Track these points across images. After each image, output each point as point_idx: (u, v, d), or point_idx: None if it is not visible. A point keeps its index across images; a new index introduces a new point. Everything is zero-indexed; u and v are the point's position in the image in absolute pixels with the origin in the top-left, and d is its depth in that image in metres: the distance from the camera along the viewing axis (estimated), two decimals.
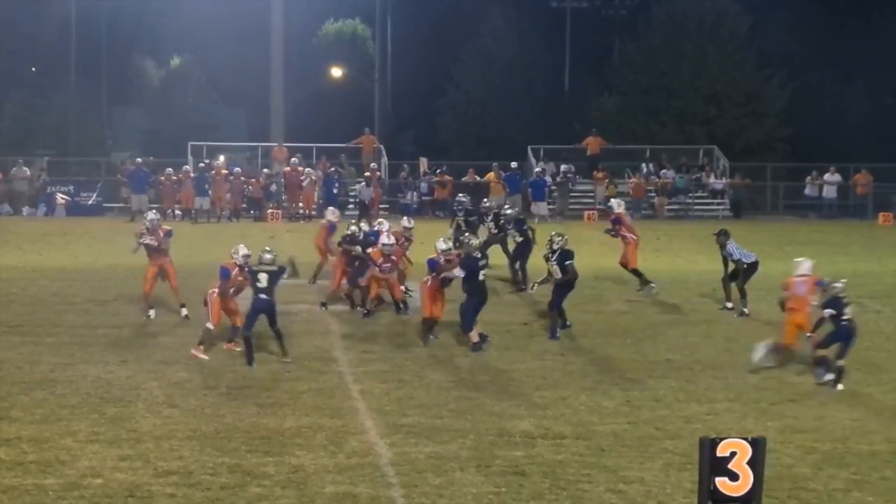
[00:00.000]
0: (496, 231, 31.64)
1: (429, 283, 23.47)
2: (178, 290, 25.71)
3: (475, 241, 24.51)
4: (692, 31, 62.73)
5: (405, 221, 29.82)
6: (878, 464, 16.05)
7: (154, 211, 27.80)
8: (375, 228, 28.19)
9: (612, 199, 34.13)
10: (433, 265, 23.52)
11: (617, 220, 30.91)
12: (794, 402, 19.44)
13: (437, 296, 23.57)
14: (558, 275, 24.51)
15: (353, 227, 27.60)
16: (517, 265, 30.29)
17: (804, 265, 22.47)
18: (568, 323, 25.07)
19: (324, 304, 27.35)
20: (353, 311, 26.81)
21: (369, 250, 26.30)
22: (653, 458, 16.12)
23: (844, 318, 20.61)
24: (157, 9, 66.24)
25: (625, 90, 64.13)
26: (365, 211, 46.70)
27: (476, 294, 23.13)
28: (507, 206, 34.07)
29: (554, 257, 24.76)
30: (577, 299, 27.92)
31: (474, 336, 23.03)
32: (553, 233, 25.72)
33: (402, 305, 26.60)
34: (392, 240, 26.81)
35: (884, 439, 17.28)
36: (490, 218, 32.39)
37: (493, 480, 15.03)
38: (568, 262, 24.46)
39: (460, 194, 37.15)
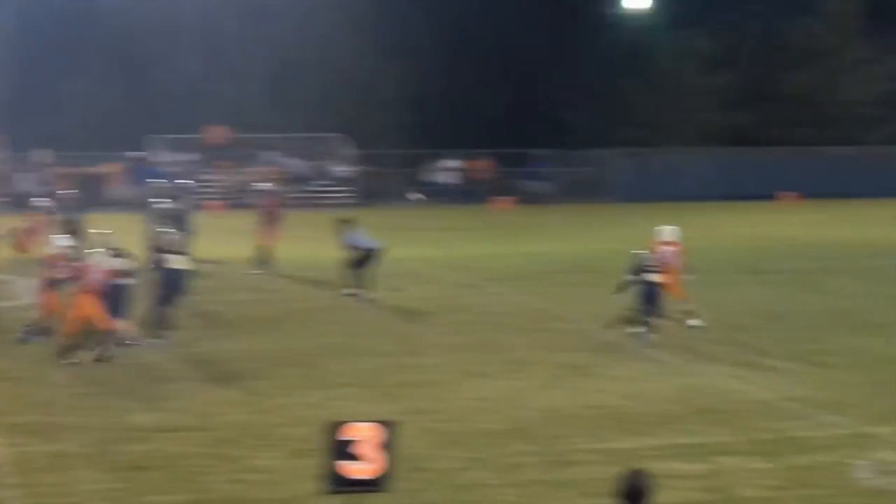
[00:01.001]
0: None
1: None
2: None
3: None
4: (320, 18, 62.77)
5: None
6: (496, 441, 16.49)
7: None
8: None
9: (261, 183, 34.49)
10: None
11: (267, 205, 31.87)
12: (417, 385, 19.77)
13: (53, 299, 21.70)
14: None
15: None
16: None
17: None
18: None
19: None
20: None
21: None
22: (276, 446, 16.14)
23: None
24: None
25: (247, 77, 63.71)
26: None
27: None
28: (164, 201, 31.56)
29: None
30: (200, 290, 27.66)
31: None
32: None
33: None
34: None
35: (502, 418, 17.76)
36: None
37: (114, 476, 14.78)
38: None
39: (59, 191, 36.03)
